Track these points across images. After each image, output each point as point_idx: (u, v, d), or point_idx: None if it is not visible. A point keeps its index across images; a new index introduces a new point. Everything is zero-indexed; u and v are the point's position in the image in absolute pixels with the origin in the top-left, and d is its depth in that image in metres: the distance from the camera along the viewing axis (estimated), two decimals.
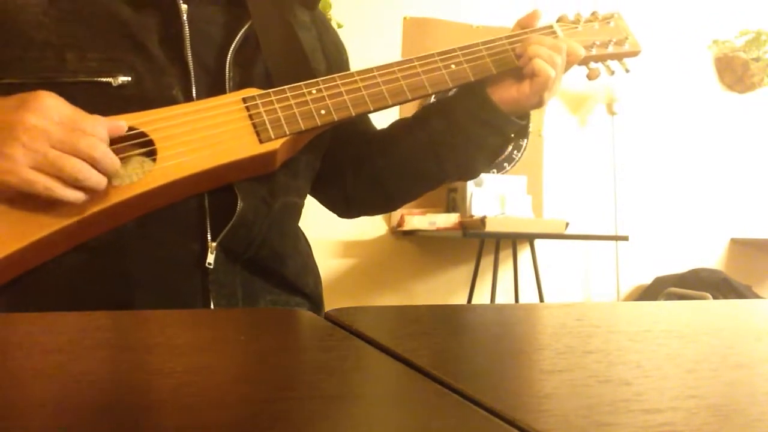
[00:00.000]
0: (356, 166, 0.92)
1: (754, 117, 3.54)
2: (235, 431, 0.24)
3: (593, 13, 0.93)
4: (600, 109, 3.29)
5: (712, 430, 0.26)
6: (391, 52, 2.89)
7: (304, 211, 0.86)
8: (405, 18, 2.99)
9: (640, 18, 3.16)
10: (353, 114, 0.76)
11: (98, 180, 0.63)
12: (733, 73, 3.46)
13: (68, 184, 0.62)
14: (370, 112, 0.79)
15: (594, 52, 0.91)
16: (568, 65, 0.86)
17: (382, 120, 0.95)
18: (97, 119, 0.65)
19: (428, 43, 2.93)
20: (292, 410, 0.27)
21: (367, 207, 0.98)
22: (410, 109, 0.98)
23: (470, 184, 2.82)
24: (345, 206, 0.98)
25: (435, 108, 0.90)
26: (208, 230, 0.71)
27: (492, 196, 2.84)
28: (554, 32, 0.89)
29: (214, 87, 0.74)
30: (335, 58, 0.90)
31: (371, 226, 2.93)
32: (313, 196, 0.95)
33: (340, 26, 2.74)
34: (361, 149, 0.92)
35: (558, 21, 0.91)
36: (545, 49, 0.82)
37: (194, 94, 0.72)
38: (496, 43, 0.85)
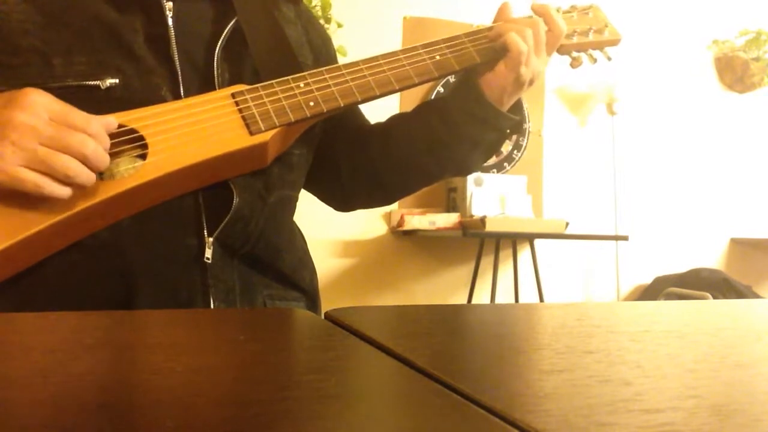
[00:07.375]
0: (353, 158, 0.92)
1: (754, 117, 3.55)
2: (235, 431, 0.24)
3: (571, 6, 0.97)
4: (600, 109, 3.29)
5: (712, 430, 0.26)
6: None
7: (303, 211, 0.86)
8: (405, 18, 2.99)
9: (641, 18, 3.16)
10: (342, 105, 0.77)
11: (88, 176, 0.63)
12: (733, 73, 3.46)
13: (58, 180, 0.62)
14: (359, 102, 0.80)
15: (575, 40, 0.94)
16: (553, 40, 0.87)
17: (382, 116, 0.96)
18: (88, 115, 0.64)
19: None
20: (292, 410, 0.26)
21: (365, 199, 0.98)
22: (411, 104, 0.98)
23: (470, 184, 2.83)
24: (342, 199, 0.98)
25: (432, 105, 0.91)
26: (205, 225, 0.71)
27: (492, 196, 2.84)
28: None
29: (203, 84, 0.74)
30: (322, 52, 0.90)
31: (371, 226, 2.93)
32: (310, 190, 0.95)
33: (340, 26, 2.75)
34: (357, 142, 0.92)
35: None
36: (514, 24, 0.84)
37: (182, 94, 0.73)
38: (480, 34, 0.87)
